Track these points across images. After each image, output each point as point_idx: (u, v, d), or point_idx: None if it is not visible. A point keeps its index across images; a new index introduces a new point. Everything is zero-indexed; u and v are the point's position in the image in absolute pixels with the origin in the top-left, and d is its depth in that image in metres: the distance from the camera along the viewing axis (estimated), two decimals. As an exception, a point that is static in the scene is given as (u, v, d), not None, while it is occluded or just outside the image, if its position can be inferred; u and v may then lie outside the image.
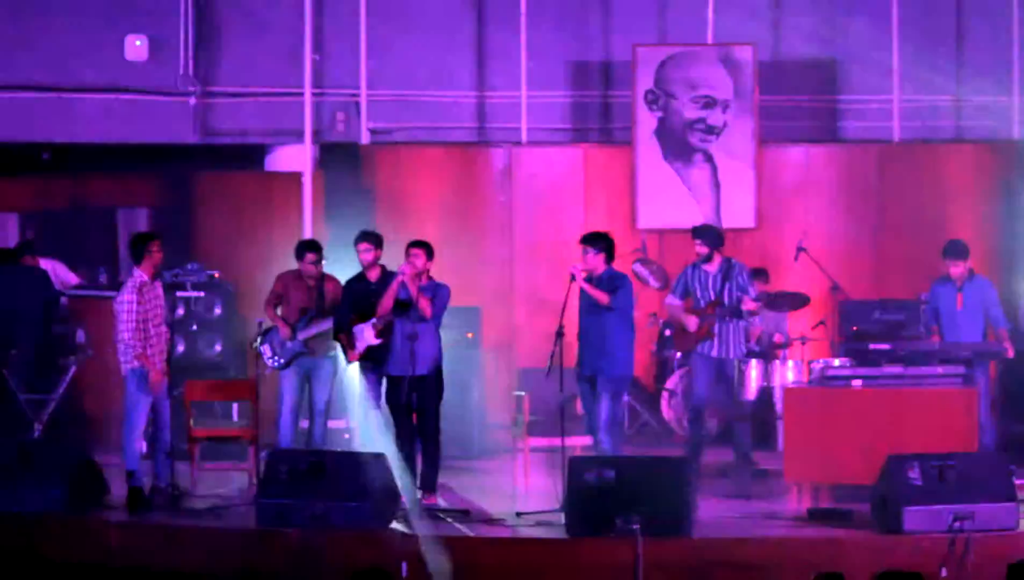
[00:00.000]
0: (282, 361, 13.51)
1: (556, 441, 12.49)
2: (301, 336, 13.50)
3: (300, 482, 11.58)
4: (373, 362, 13.20)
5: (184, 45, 16.76)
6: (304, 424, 13.79)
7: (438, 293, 12.70)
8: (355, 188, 16.76)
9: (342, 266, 14.00)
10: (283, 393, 13.55)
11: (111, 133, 16.74)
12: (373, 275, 13.37)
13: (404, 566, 10.88)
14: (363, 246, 13.39)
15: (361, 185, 16.77)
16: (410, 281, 12.54)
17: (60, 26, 16.59)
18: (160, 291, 12.83)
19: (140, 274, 12.65)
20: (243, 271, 16.12)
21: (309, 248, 13.78)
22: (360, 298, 13.25)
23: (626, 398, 15.61)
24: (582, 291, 12.84)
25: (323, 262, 13.75)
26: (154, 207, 18.29)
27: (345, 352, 13.43)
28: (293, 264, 13.89)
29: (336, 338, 13.42)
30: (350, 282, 13.49)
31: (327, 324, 13.50)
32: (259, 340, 13.55)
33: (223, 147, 17.02)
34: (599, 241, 12.91)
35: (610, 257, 12.96)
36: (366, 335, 13.13)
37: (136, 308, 12.51)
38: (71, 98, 16.61)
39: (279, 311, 13.70)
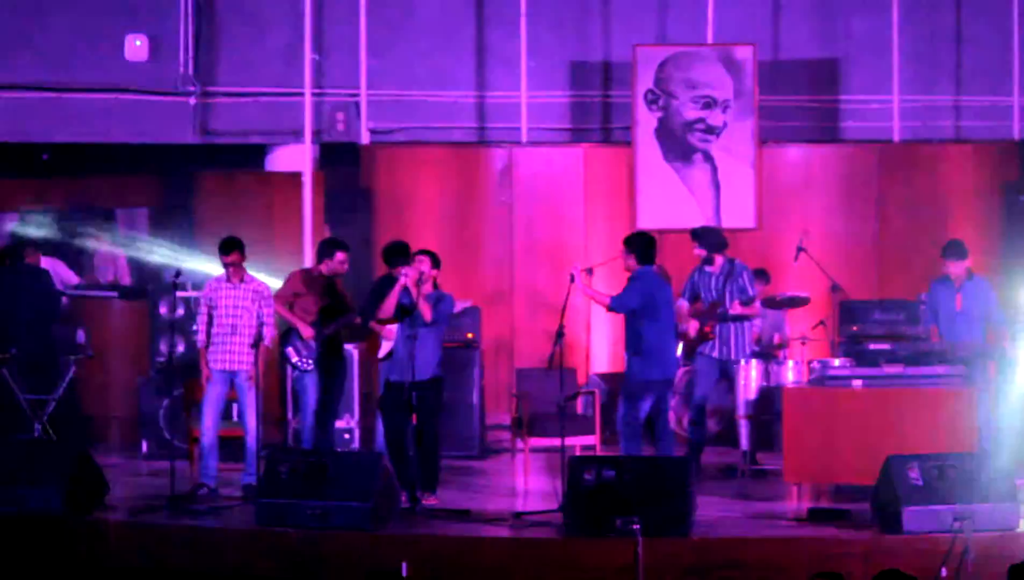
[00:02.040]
0: (311, 361, 13.50)
1: (556, 441, 12.49)
2: (326, 333, 13.50)
3: (300, 482, 11.59)
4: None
5: (184, 45, 16.76)
6: (298, 424, 13.87)
7: (441, 301, 12.66)
8: (355, 188, 16.76)
9: (342, 266, 14.01)
10: (307, 393, 13.51)
11: (111, 133, 16.73)
12: None
13: (404, 566, 10.89)
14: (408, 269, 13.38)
15: (361, 185, 16.77)
16: (412, 285, 12.51)
17: (60, 26, 16.59)
18: (242, 291, 12.98)
19: (221, 274, 13.07)
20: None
21: (341, 247, 13.74)
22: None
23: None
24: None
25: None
26: (154, 207, 18.32)
27: (374, 348, 13.51)
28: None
29: (368, 329, 13.49)
30: (381, 281, 13.50)
31: (345, 321, 13.53)
32: (281, 343, 13.57)
33: (223, 147, 17.02)
34: (629, 242, 13.04)
35: (643, 258, 12.95)
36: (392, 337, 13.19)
37: (203, 303, 12.97)
38: (71, 98, 16.60)
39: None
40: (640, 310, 12.81)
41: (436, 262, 12.69)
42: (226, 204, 16.82)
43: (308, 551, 11.28)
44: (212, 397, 12.96)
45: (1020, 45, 16.82)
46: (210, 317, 12.95)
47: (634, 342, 12.87)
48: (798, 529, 11.66)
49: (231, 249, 13.02)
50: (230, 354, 12.91)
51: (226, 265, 13.03)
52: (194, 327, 13.09)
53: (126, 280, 16.05)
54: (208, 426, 12.93)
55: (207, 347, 12.94)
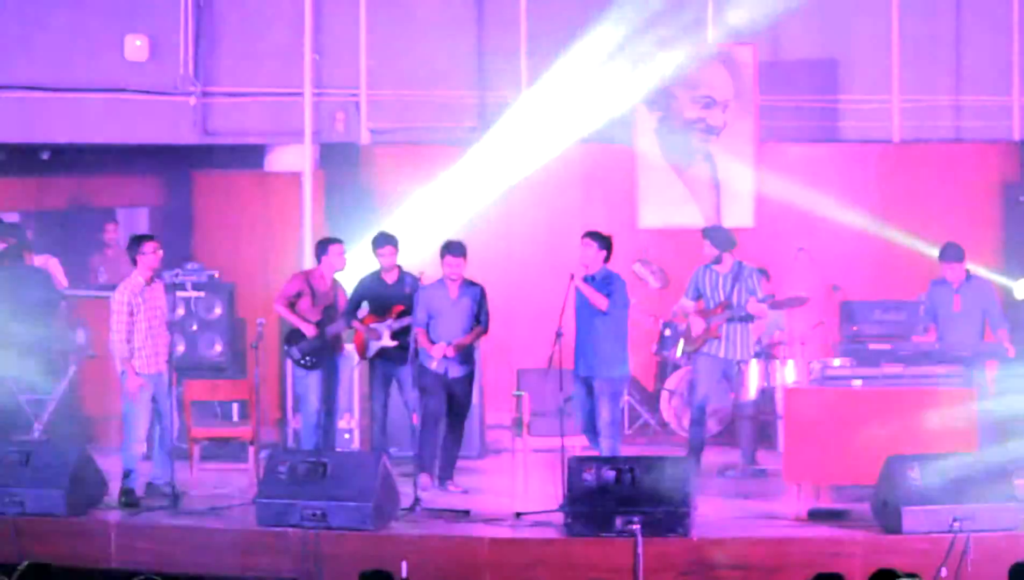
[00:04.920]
0: (314, 360, 13.51)
1: (556, 441, 12.49)
2: (330, 333, 13.51)
3: (300, 482, 11.59)
4: (384, 362, 13.29)
5: (184, 45, 16.75)
6: (297, 424, 13.87)
7: (481, 304, 13.20)
8: (355, 188, 16.76)
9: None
10: (308, 393, 13.54)
11: (111, 133, 16.72)
12: (390, 277, 13.44)
13: (404, 566, 10.89)
14: (386, 250, 13.45)
15: (361, 185, 16.77)
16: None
17: (60, 26, 16.57)
18: (160, 293, 12.85)
19: (135, 276, 12.69)
20: (243, 271, 16.12)
21: (335, 241, 13.78)
22: (375, 297, 13.35)
23: (627, 398, 15.66)
24: (578, 292, 12.81)
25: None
26: (154, 207, 18.31)
27: (359, 349, 13.52)
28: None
29: (351, 329, 13.52)
30: (365, 279, 13.56)
31: (338, 328, 13.55)
32: (286, 344, 13.60)
33: (223, 147, 17.02)
34: (603, 238, 12.92)
35: (608, 257, 12.97)
36: (382, 336, 13.19)
37: (125, 310, 12.56)
38: (71, 98, 16.59)
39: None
40: (621, 310, 12.84)
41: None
42: (226, 204, 16.83)
43: (308, 551, 11.28)
44: (148, 404, 12.75)
45: (1020, 45, 16.81)
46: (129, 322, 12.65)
47: (613, 341, 12.80)
48: (798, 529, 11.66)
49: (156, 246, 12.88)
50: (157, 357, 12.76)
51: (151, 266, 12.82)
52: (115, 324, 12.67)
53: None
54: (145, 435, 12.79)
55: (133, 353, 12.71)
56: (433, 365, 13.03)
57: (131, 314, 12.62)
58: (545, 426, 13.41)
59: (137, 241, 12.87)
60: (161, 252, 12.83)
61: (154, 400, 12.72)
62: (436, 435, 13.09)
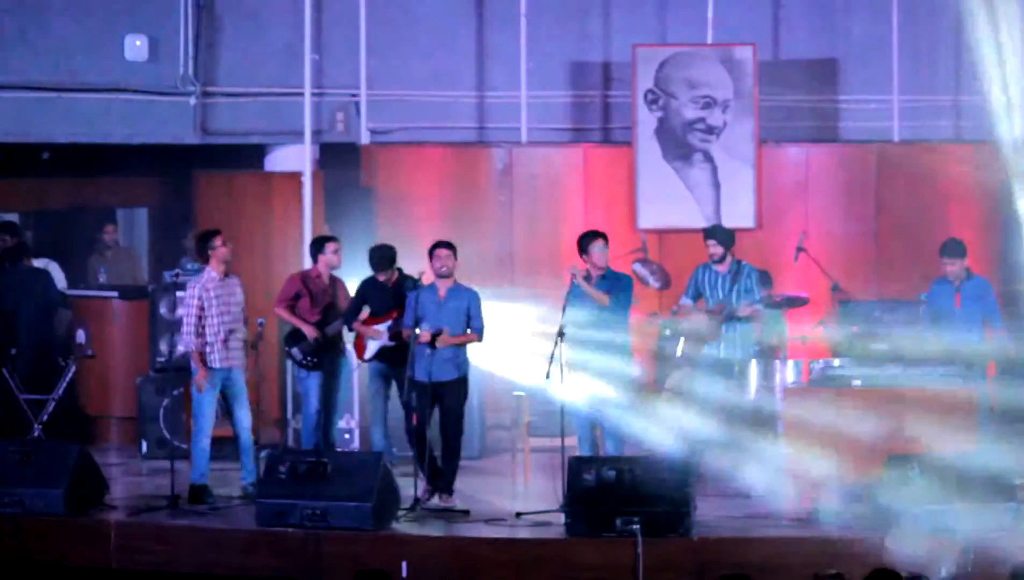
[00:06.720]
0: (315, 361, 13.51)
1: (556, 441, 12.49)
2: (329, 333, 13.51)
3: (300, 482, 11.60)
4: (382, 363, 13.27)
5: (184, 45, 16.74)
6: (298, 424, 13.87)
7: (473, 306, 12.85)
8: (355, 188, 16.76)
9: (344, 267, 14.02)
10: (309, 393, 13.54)
11: (111, 133, 16.72)
12: (388, 280, 13.42)
13: (404, 566, 10.90)
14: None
15: (361, 185, 16.77)
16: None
17: (60, 26, 16.57)
18: (235, 288, 13.06)
19: (209, 271, 12.84)
20: (243, 271, 16.10)
21: (330, 238, 13.79)
22: (375, 298, 13.31)
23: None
24: (576, 291, 12.69)
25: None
26: (154, 207, 18.32)
27: (357, 351, 13.51)
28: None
29: (352, 331, 13.50)
30: (367, 282, 13.53)
31: (338, 326, 13.57)
32: (286, 344, 13.62)
33: (223, 147, 17.01)
34: (603, 239, 12.89)
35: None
36: (382, 336, 13.20)
37: (195, 305, 12.65)
38: (71, 98, 16.58)
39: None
40: (626, 308, 12.82)
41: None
42: (226, 204, 16.82)
43: (308, 551, 11.29)
44: (214, 399, 12.93)
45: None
46: (198, 317, 12.86)
47: (625, 340, 12.78)
48: (798, 529, 11.67)
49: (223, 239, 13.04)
50: (228, 352, 12.89)
51: (222, 259, 13.00)
52: (184, 318, 12.93)
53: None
54: (211, 428, 12.91)
55: (205, 348, 12.85)
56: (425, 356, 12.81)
57: (200, 309, 12.77)
58: (545, 426, 13.40)
59: (205, 238, 13.02)
60: (230, 244, 13.08)
61: (224, 396, 12.83)
62: (429, 448, 12.76)
